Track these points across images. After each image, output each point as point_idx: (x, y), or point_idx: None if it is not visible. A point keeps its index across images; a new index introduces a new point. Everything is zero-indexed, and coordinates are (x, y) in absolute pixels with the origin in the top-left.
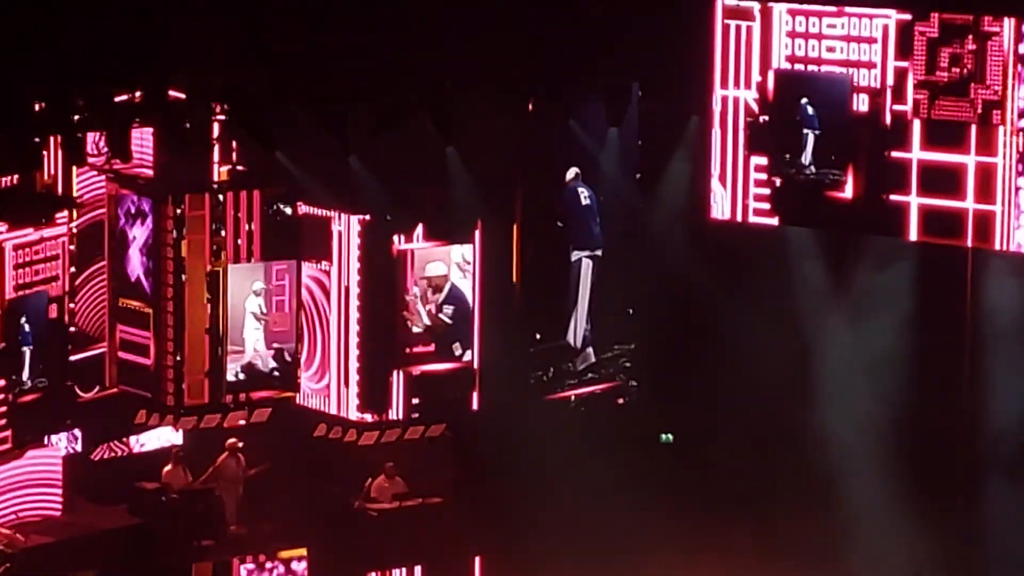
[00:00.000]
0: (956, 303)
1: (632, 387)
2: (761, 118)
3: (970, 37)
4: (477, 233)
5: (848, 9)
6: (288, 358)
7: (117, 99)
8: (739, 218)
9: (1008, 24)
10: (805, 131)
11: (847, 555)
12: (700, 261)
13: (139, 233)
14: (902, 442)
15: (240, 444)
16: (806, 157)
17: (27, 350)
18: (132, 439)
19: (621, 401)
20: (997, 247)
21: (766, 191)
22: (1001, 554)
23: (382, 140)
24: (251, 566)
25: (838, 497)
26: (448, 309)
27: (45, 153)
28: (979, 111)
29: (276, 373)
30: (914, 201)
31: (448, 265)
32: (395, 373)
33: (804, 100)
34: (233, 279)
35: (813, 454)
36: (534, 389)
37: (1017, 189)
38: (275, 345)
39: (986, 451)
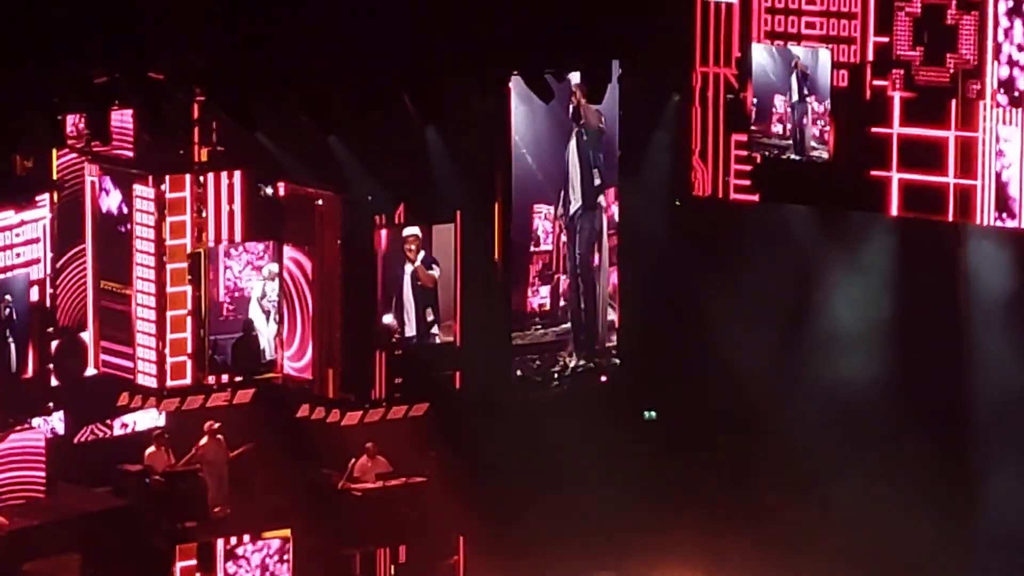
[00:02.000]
0: (944, 279)
1: (614, 364)
2: (741, 95)
3: (950, 10)
4: (459, 212)
5: None
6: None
7: (96, 81)
8: (720, 195)
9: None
10: (786, 107)
11: (828, 534)
12: (681, 238)
13: (120, 215)
14: (887, 421)
15: (217, 425)
16: (786, 133)
17: (9, 332)
18: (115, 421)
19: (604, 379)
20: (978, 222)
21: (747, 168)
22: (994, 534)
23: (363, 121)
24: (236, 546)
25: (820, 476)
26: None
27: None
28: (955, 80)
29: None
30: (895, 176)
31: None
32: (377, 353)
33: (784, 76)
34: None
35: (796, 433)
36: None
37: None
38: None
39: (976, 431)
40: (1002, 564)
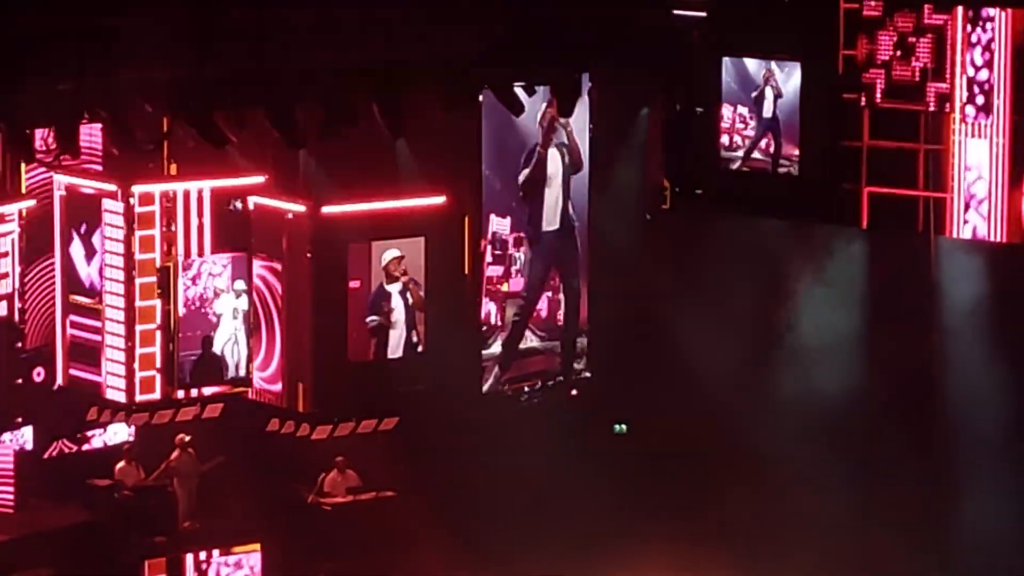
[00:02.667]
0: (915, 285)
1: (584, 378)
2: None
3: (921, 27)
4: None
5: None
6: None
7: (65, 95)
8: (691, 209)
9: (958, 13)
10: (757, 120)
11: (800, 543)
12: (651, 251)
13: (88, 229)
14: (860, 430)
15: (188, 439)
16: (758, 146)
17: None
18: (85, 436)
19: (574, 392)
20: (950, 235)
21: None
22: (967, 542)
23: (332, 134)
24: (204, 562)
25: (792, 486)
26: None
27: None
28: (933, 106)
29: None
30: (865, 189)
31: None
32: (348, 367)
33: (755, 89)
34: None
35: (767, 442)
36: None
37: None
38: None
39: (948, 440)
40: (975, 572)
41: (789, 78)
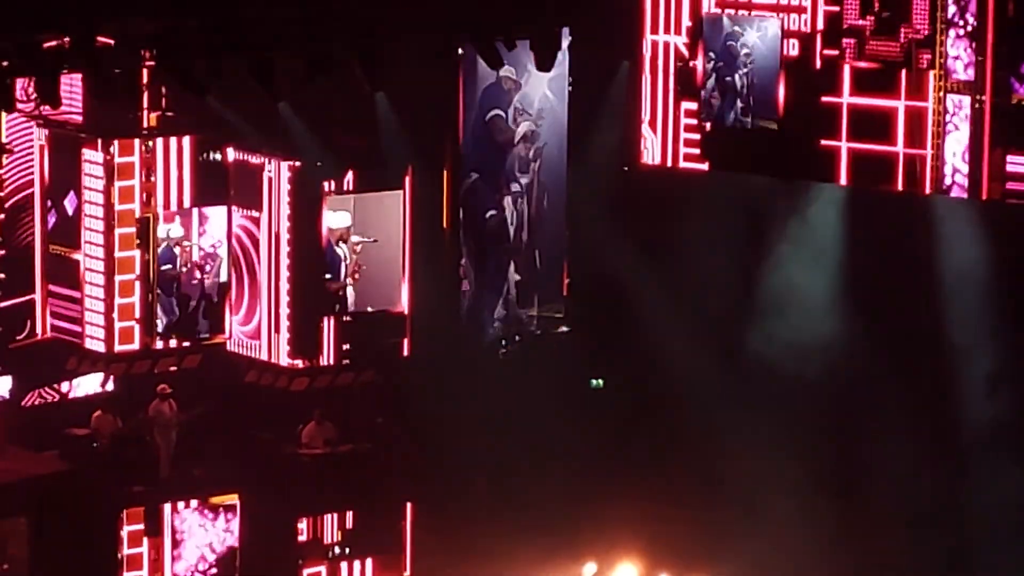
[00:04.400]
0: (895, 243)
1: (562, 332)
2: (691, 63)
3: None
4: (407, 179)
5: None
6: None
7: (45, 45)
8: (669, 163)
9: None
10: (735, 76)
11: (777, 503)
12: (632, 207)
13: (69, 179)
14: (834, 386)
15: (169, 390)
16: (737, 102)
17: None
18: (63, 385)
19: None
20: (927, 191)
21: (696, 136)
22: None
23: (311, 86)
24: (184, 511)
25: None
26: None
27: None
28: (905, 51)
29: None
30: (844, 146)
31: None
32: (326, 319)
33: (734, 45)
34: None
35: (746, 399)
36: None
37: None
38: None
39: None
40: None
41: (767, 34)
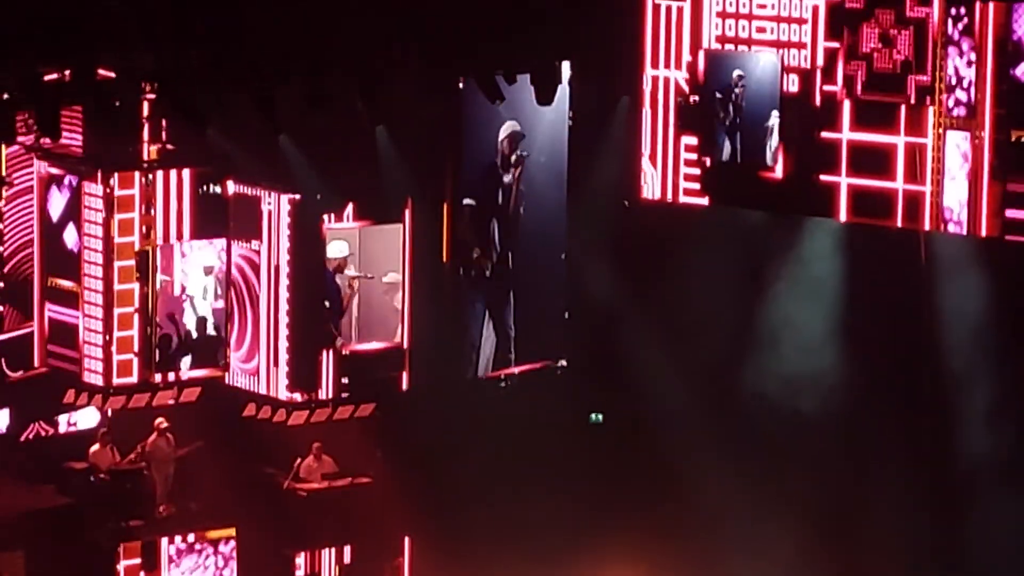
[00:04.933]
0: (894, 280)
1: (561, 367)
2: (691, 98)
3: (900, 19)
4: (407, 212)
5: None
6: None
7: (46, 78)
8: (670, 198)
9: (935, 4)
10: (735, 110)
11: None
12: (631, 241)
13: (68, 212)
14: (835, 419)
15: (166, 424)
16: (737, 136)
17: None
18: (60, 419)
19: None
20: (926, 228)
21: (696, 171)
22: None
23: (312, 119)
24: (179, 546)
25: (769, 479)
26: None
27: None
28: (913, 98)
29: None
30: (844, 181)
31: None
32: (325, 353)
33: (734, 79)
34: None
35: (743, 434)
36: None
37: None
38: None
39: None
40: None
41: (767, 70)
